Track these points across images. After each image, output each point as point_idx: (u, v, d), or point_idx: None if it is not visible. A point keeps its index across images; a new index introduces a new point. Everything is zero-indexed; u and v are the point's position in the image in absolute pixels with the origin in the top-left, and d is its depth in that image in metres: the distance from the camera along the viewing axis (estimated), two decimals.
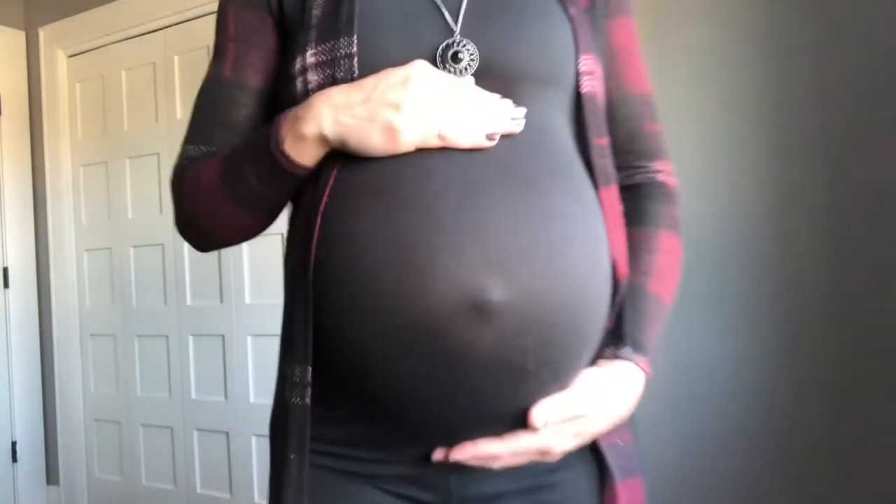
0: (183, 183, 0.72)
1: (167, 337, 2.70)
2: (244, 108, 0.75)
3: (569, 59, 0.68)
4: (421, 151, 0.59)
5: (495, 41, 0.65)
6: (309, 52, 0.66)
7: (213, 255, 2.57)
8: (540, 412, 0.60)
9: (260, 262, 2.47)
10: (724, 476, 1.70)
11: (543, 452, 0.62)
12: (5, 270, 2.88)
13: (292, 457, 0.64)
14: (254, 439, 2.48)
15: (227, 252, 2.54)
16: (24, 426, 2.90)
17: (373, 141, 0.59)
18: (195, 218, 0.73)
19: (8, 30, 2.94)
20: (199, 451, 2.62)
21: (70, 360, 2.91)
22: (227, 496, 2.54)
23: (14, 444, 2.88)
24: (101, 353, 2.87)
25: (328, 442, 0.66)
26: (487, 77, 0.64)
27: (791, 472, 1.63)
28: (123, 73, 2.81)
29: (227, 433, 2.54)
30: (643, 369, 0.70)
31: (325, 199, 0.62)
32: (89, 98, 2.90)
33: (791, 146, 1.64)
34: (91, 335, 2.90)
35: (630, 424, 0.71)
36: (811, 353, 1.61)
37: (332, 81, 0.64)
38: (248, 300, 2.50)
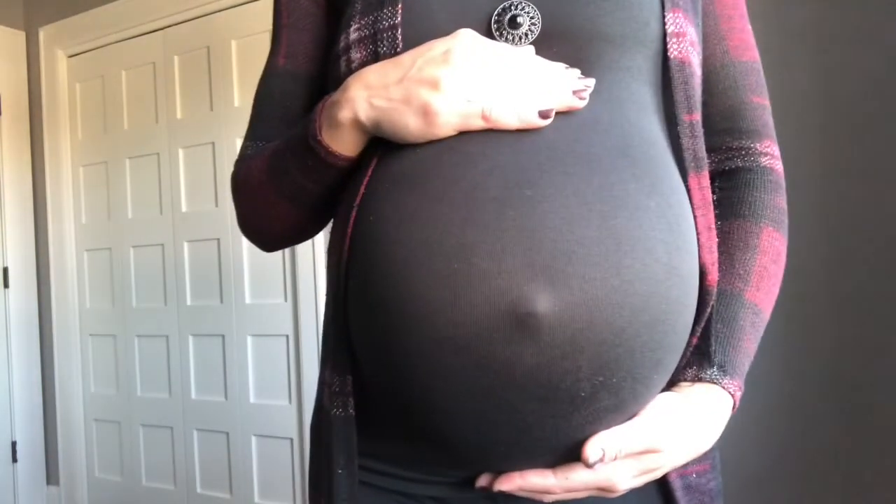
0: (237, 182, 0.69)
1: (167, 337, 2.70)
2: (298, 98, 0.69)
3: (653, 16, 0.56)
4: (465, 135, 0.51)
5: (564, 1, 0.55)
6: (352, 28, 0.59)
7: (213, 255, 2.58)
8: (594, 446, 0.49)
9: (260, 262, 2.47)
10: (724, 475, 1.70)
11: (603, 489, 0.52)
12: (5, 270, 2.88)
13: (340, 471, 0.57)
14: (254, 439, 2.48)
15: (227, 252, 2.54)
16: (24, 426, 2.90)
17: (409, 125, 0.51)
18: (251, 217, 0.69)
19: (8, 30, 2.94)
20: (199, 451, 2.62)
21: (70, 360, 2.91)
22: (227, 496, 2.54)
23: (14, 444, 2.88)
24: (101, 353, 2.88)
25: (367, 456, 0.59)
26: (551, 43, 0.54)
27: (792, 472, 1.63)
28: (123, 73, 2.81)
29: (227, 433, 2.54)
30: (732, 395, 0.57)
31: (361, 192, 0.55)
32: (89, 98, 2.90)
33: (791, 146, 1.64)
34: (91, 335, 2.90)
35: (711, 454, 0.61)
36: (811, 353, 1.61)
37: (374, 58, 0.56)
38: (248, 300, 2.50)
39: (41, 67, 2.96)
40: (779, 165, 0.71)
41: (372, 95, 0.53)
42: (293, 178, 0.61)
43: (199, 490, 2.61)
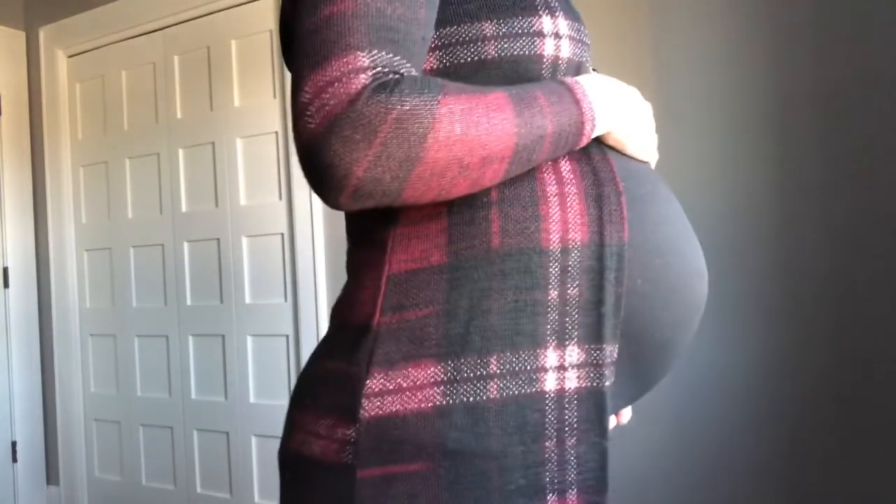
0: (441, 112, 0.50)
1: (167, 337, 2.70)
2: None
3: None
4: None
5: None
6: (561, 18, 0.62)
7: (213, 255, 2.58)
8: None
9: (260, 262, 2.47)
10: (726, 476, 1.70)
11: None
12: (5, 270, 2.88)
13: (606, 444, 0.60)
14: (254, 439, 2.48)
15: (227, 252, 2.54)
16: (24, 426, 2.90)
17: (647, 157, 0.68)
18: (447, 165, 0.52)
19: (8, 30, 2.94)
20: (199, 451, 2.62)
21: (70, 360, 2.91)
22: (227, 496, 2.54)
23: (14, 444, 2.88)
24: (101, 353, 2.88)
25: None
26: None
27: (792, 472, 1.63)
28: (123, 73, 2.81)
29: (227, 433, 2.54)
30: None
31: (617, 182, 0.62)
32: (89, 98, 2.90)
33: (792, 147, 1.64)
34: (91, 335, 2.90)
35: None
36: (812, 353, 1.61)
37: (577, 65, 0.65)
38: (248, 300, 2.50)
39: (41, 67, 2.96)
40: None
41: (637, 138, 0.66)
42: (542, 140, 0.56)
43: (199, 490, 2.61)
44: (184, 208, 2.66)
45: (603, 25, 1.83)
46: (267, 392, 2.47)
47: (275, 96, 2.45)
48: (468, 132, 0.51)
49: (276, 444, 2.38)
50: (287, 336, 2.41)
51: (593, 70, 0.75)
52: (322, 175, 0.50)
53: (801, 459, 1.62)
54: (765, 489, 1.65)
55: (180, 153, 2.66)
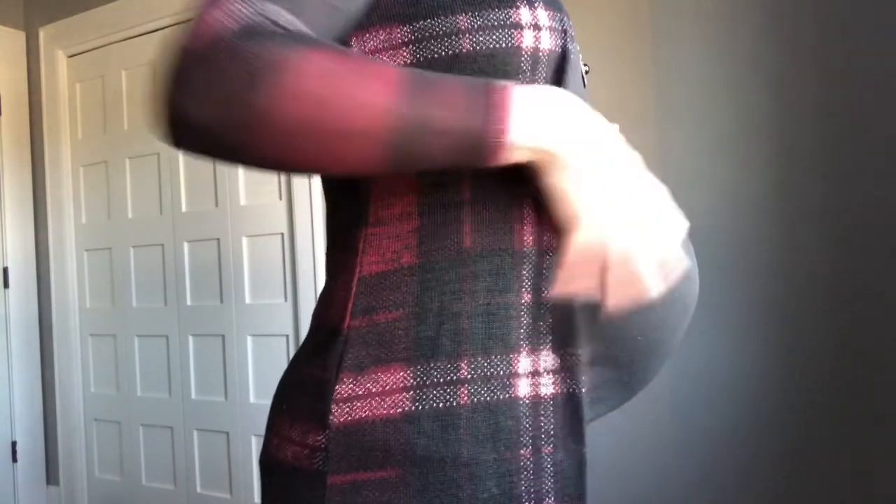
0: (296, 65, 0.45)
1: (167, 337, 2.70)
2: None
3: None
4: None
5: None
6: (541, 9, 0.57)
7: (213, 255, 2.58)
8: None
9: (260, 262, 2.47)
10: (724, 475, 1.70)
11: None
12: (5, 270, 2.88)
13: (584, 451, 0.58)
14: (254, 439, 2.48)
15: (227, 252, 2.54)
16: (24, 426, 2.90)
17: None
18: (301, 124, 0.45)
19: (8, 30, 2.94)
20: (199, 451, 2.62)
21: (70, 360, 2.91)
22: (227, 496, 2.54)
23: (14, 444, 2.88)
24: (101, 353, 2.87)
25: None
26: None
27: (792, 471, 1.63)
28: (123, 73, 2.81)
29: (227, 433, 2.54)
30: None
31: None
32: (89, 98, 2.90)
33: (792, 149, 1.64)
34: (91, 335, 2.90)
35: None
36: (813, 352, 1.61)
37: (562, 58, 0.58)
38: (248, 300, 2.50)
39: (41, 67, 2.96)
40: None
41: (591, 195, 0.51)
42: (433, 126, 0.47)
43: (199, 490, 2.61)
44: (184, 208, 2.66)
45: (603, 24, 1.83)
46: (267, 392, 2.47)
47: None
48: (325, 93, 0.45)
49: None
50: (287, 336, 2.41)
51: (585, 67, 0.73)
52: (162, 108, 0.46)
53: (801, 458, 1.62)
54: (765, 488, 1.65)
55: (180, 153, 2.66)
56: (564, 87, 0.59)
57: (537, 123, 0.49)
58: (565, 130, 0.50)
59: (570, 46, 0.61)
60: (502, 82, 0.49)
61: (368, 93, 0.46)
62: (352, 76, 0.46)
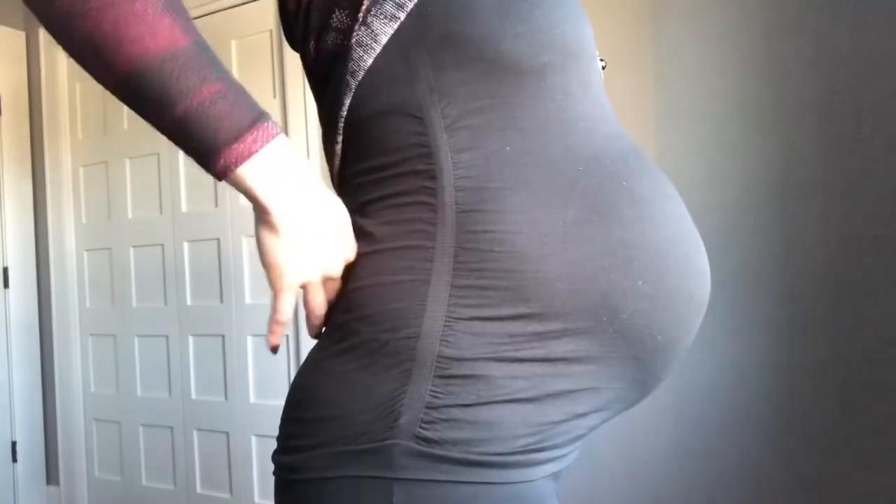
0: None
1: (167, 337, 2.70)
2: None
3: None
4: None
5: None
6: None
7: (213, 255, 2.58)
8: None
9: (260, 262, 2.47)
10: (724, 474, 1.70)
11: None
12: (5, 270, 2.88)
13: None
14: (254, 439, 2.48)
15: (227, 252, 2.54)
16: (24, 426, 2.90)
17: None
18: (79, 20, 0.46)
19: (8, 30, 2.94)
20: (199, 451, 2.62)
21: (70, 360, 2.91)
22: (228, 496, 2.54)
23: (14, 444, 2.87)
24: (101, 353, 2.87)
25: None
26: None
27: (792, 470, 1.63)
28: None
29: (227, 433, 2.54)
30: None
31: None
32: (89, 98, 2.90)
33: (793, 149, 1.64)
34: (91, 335, 2.90)
35: None
36: (813, 351, 1.61)
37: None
38: (248, 300, 2.50)
39: (41, 67, 2.96)
40: None
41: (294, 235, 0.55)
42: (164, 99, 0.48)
43: (199, 490, 2.61)
44: (184, 208, 2.66)
45: (603, 23, 1.83)
46: (267, 392, 2.47)
47: (275, 96, 2.45)
48: (96, 16, 0.44)
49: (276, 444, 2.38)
50: (287, 336, 2.41)
51: (602, 62, 0.73)
52: None
53: (801, 458, 1.62)
54: (765, 488, 1.65)
55: (180, 153, 2.65)
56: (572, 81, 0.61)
57: (267, 178, 0.51)
58: (288, 201, 0.52)
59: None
60: (271, 125, 0.51)
61: (131, 38, 0.45)
62: (115, 10, 0.45)
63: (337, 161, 0.63)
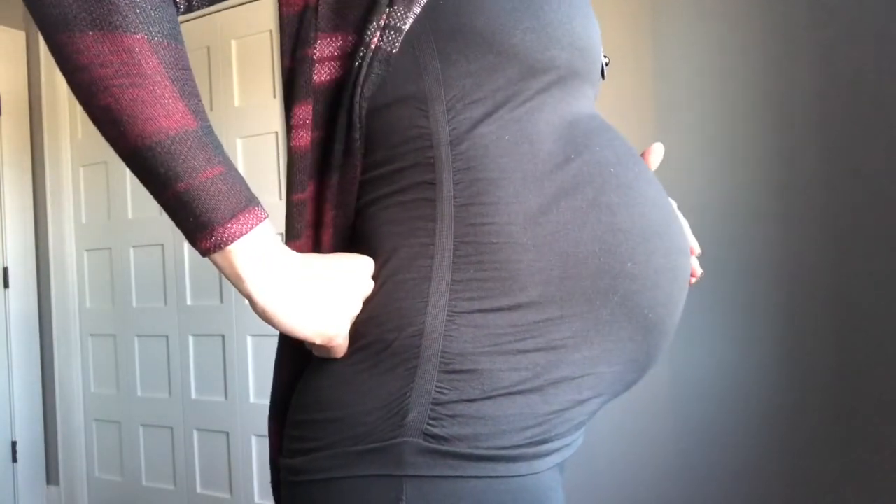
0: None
1: (167, 337, 2.70)
2: None
3: None
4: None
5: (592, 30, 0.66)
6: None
7: None
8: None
9: None
10: (725, 474, 1.70)
11: None
12: (5, 270, 2.88)
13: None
14: (254, 439, 2.48)
15: None
16: (24, 426, 2.90)
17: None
18: (79, 74, 0.48)
19: (8, 30, 2.94)
20: (199, 451, 2.62)
21: (70, 360, 2.91)
22: (227, 496, 2.54)
23: (14, 444, 2.87)
24: (101, 353, 2.87)
25: None
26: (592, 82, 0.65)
27: (792, 470, 1.63)
28: None
29: (227, 433, 2.54)
30: None
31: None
32: None
33: (792, 149, 1.64)
34: (91, 335, 2.90)
35: None
36: (812, 353, 1.61)
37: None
38: None
39: (41, 67, 2.96)
40: None
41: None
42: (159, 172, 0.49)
43: (199, 490, 2.61)
44: None
45: (603, 23, 1.83)
46: (267, 392, 2.47)
47: (275, 96, 2.45)
48: (102, 85, 0.47)
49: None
50: None
51: (605, 59, 0.75)
52: None
53: (800, 458, 1.62)
54: (765, 488, 1.65)
55: None
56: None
57: (248, 264, 0.51)
58: (270, 283, 0.51)
59: None
60: (260, 209, 0.51)
61: (147, 117, 0.47)
62: (136, 90, 0.47)
63: (354, 158, 0.61)
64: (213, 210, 0.49)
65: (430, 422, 0.53)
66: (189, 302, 2.65)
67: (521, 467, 0.54)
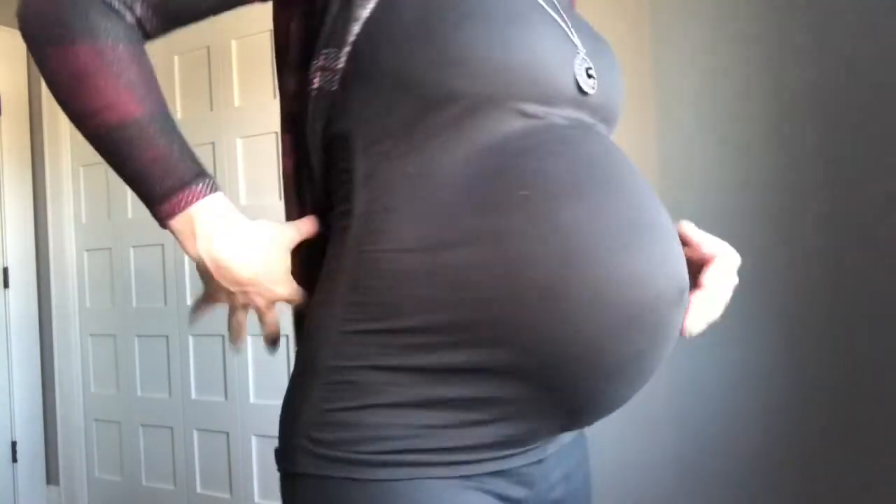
0: (83, 40, 0.58)
1: (167, 337, 2.70)
2: None
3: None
4: (586, 151, 0.63)
5: (607, 79, 0.68)
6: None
7: None
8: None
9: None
10: (723, 474, 1.70)
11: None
12: (5, 270, 2.88)
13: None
14: (254, 439, 2.48)
15: None
16: (24, 426, 2.90)
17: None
18: (70, 91, 0.59)
19: (8, 30, 2.94)
20: (199, 451, 2.62)
21: (70, 360, 2.91)
22: (227, 496, 2.54)
23: (14, 444, 2.88)
24: (101, 353, 2.88)
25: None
26: (591, 107, 0.65)
27: (792, 471, 1.63)
28: None
29: (227, 433, 2.54)
30: None
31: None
32: None
33: (792, 149, 1.64)
34: (91, 335, 2.90)
35: None
36: (813, 357, 1.61)
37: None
38: None
39: None
40: None
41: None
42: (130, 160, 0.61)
43: (199, 490, 2.61)
44: None
45: (604, 23, 1.83)
46: (267, 392, 2.47)
47: (275, 96, 2.45)
48: (73, 83, 0.58)
49: (276, 444, 2.38)
50: (287, 336, 2.41)
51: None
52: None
53: (800, 458, 1.62)
54: (765, 488, 1.65)
55: None
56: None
57: (197, 230, 0.61)
58: (208, 246, 0.62)
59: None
60: (205, 183, 0.62)
61: (105, 104, 0.58)
62: (103, 82, 0.58)
63: (313, 192, 0.69)
64: (150, 193, 0.61)
65: (315, 427, 0.59)
66: (189, 302, 2.65)
67: (400, 472, 0.57)
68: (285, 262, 0.65)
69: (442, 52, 0.57)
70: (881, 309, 1.54)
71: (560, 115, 0.62)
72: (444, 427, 0.58)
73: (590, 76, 0.64)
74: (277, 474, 0.66)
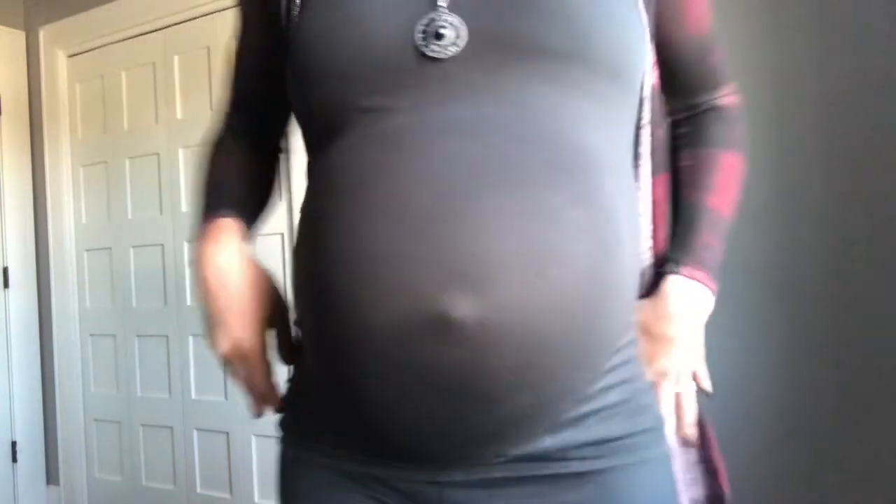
0: (210, 156, 0.85)
1: (167, 337, 2.70)
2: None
3: (639, 41, 0.60)
4: (394, 152, 0.54)
5: (498, 13, 0.56)
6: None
7: None
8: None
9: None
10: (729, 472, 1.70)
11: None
12: (5, 270, 2.88)
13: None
14: (254, 439, 2.48)
15: None
16: (24, 426, 2.90)
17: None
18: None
19: (8, 30, 2.94)
20: (199, 451, 2.62)
21: (70, 360, 2.91)
22: (227, 496, 2.54)
23: (14, 444, 2.88)
24: (101, 353, 2.88)
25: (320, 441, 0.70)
26: (479, 53, 0.55)
27: (792, 471, 1.63)
28: (123, 73, 2.80)
29: (227, 433, 2.54)
30: (694, 278, 0.70)
31: (306, 198, 0.64)
32: (89, 98, 2.90)
33: (792, 150, 1.64)
34: (91, 335, 2.90)
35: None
36: (813, 353, 1.61)
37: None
38: None
39: (41, 67, 2.96)
40: (733, 100, 0.87)
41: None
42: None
43: (199, 490, 2.61)
44: (184, 208, 2.66)
45: None
46: None
47: None
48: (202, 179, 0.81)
49: (276, 443, 2.38)
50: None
51: None
52: None
53: (800, 458, 1.62)
54: (765, 488, 1.65)
55: (180, 153, 2.66)
56: None
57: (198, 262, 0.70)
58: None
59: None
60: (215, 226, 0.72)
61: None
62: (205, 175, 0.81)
63: None
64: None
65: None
66: (189, 302, 2.65)
67: (283, 440, 0.76)
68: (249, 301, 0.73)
69: (326, 92, 0.61)
70: (879, 304, 1.54)
71: (398, 103, 0.56)
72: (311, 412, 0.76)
73: (439, 35, 0.55)
74: (277, 474, 0.77)
